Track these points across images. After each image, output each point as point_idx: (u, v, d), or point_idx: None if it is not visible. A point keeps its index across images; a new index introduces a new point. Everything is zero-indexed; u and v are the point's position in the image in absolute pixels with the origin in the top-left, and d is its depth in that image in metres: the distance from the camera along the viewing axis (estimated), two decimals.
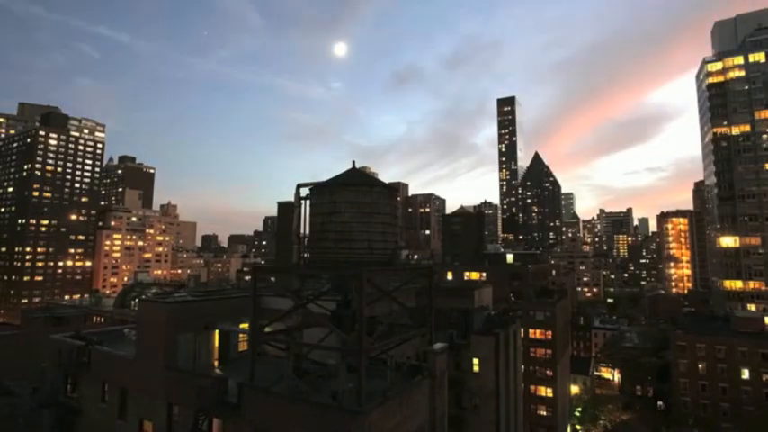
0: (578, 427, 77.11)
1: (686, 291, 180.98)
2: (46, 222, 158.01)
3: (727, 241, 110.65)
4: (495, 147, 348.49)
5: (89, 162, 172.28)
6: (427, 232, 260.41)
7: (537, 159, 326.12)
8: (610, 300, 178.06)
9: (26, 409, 30.44)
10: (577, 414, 78.63)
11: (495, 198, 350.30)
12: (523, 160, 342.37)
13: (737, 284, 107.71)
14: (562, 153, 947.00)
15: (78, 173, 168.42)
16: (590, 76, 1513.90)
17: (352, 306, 21.92)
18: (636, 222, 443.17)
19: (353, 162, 26.10)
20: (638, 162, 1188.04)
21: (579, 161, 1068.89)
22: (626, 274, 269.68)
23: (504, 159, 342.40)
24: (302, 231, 26.84)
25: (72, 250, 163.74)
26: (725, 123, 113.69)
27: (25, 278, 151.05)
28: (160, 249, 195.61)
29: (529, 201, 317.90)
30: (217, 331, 26.62)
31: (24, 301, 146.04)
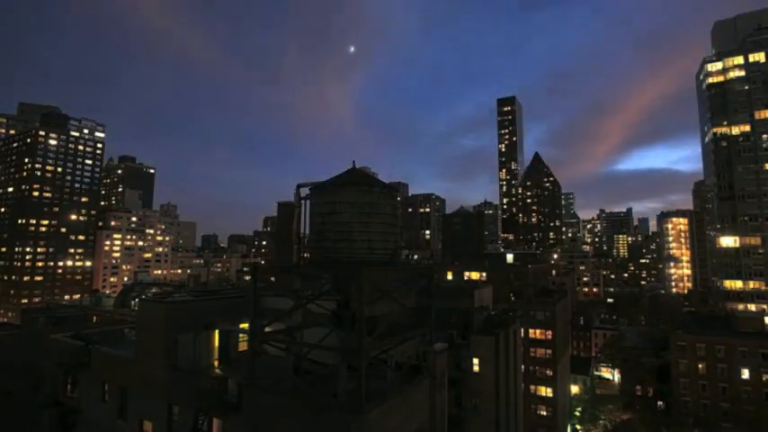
0: (578, 427, 77.13)
1: (686, 291, 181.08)
2: (46, 222, 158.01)
3: (727, 241, 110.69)
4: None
5: (89, 162, 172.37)
6: (427, 232, 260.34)
7: (537, 159, 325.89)
8: (610, 300, 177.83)
9: (26, 409, 30.45)
10: (577, 414, 78.65)
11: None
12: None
13: (737, 284, 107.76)
14: None
15: (78, 173, 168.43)
16: None
17: (352, 306, 21.88)
18: (636, 222, 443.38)
19: (353, 162, 26.08)
20: None
21: None
22: (626, 274, 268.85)
23: (503, 159, 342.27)
24: (302, 231, 26.81)
25: (72, 250, 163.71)
26: (725, 123, 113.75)
27: (25, 278, 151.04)
28: (160, 249, 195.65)
29: (529, 201, 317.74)
30: (217, 331, 26.59)
31: (24, 301, 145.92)
